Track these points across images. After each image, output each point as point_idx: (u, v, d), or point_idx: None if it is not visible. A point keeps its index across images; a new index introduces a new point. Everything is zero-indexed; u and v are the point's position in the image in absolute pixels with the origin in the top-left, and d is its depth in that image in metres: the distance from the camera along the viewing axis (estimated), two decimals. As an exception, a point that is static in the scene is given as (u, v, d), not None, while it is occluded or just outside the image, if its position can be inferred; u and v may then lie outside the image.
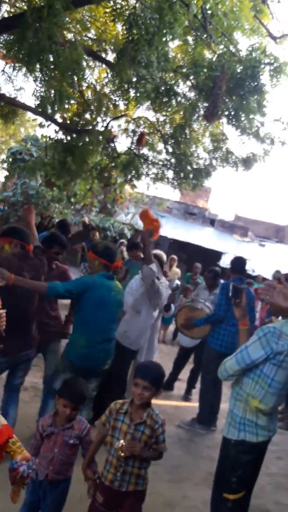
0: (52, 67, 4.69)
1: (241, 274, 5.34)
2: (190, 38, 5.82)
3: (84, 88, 7.90)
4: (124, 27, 4.45)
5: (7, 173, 13.33)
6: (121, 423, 2.61)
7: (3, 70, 7.40)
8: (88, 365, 3.76)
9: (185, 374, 6.75)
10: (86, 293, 3.65)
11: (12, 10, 7.20)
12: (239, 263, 5.42)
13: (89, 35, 7.64)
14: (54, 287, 3.55)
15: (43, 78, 5.64)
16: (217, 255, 15.20)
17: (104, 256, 3.81)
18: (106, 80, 7.91)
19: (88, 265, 5.78)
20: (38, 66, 4.96)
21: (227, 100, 4.75)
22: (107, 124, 8.04)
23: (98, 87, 8.34)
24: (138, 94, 4.82)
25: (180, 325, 5.81)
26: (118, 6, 4.60)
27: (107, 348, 3.86)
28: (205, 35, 4.48)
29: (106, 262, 3.80)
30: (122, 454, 2.48)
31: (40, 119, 8.06)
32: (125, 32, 4.24)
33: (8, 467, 2.00)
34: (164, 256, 5.14)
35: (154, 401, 2.73)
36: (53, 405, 4.03)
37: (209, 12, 4.07)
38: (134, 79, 4.78)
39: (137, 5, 3.94)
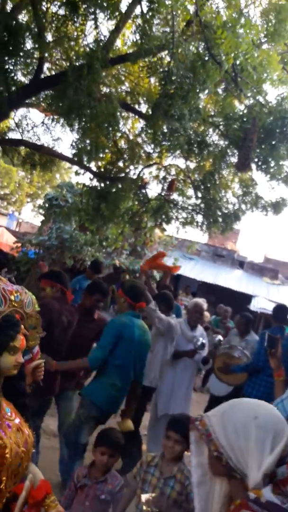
0: (89, 120, 4.95)
1: (283, 323, 5.23)
2: (220, 89, 6.07)
3: (117, 137, 8.23)
4: (158, 82, 4.69)
5: (43, 218, 13.78)
6: (151, 476, 2.56)
7: (42, 122, 7.83)
8: (111, 408, 3.71)
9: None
10: (119, 336, 3.65)
11: (53, 67, 7.72)
12: (281, 311, 5.32)
13: (123, 87, 8.06)
14: (93, 358, 3.60)
15: (80, 130, 5.94)
16: (247, 298, 14.97)
17: (129, 295, 3.82)
18: (139, 129, 8.26)
19: (116, 306, 5.83)
20: (76, 119, 5.26)
21: (257, 150, 4.86)
22: (140, 172, 8.30)
23: (131, 136, 8.69)
24: (171, 146, 5.00)
25: (218, 369, 5.67)
26: (153, 63, 4.86)
27: (127, 390, 3.82)
28: (235, 89, 4.66)
29: (130, 300, 3.81)
30: (148, 509, 2.40)
31: (75, 167, 8.42)
32: (160, 87, 4.46)
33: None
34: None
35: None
36: (67, 453, 3.96)
37: (239, 67, 4.26)
38: (167, 131, 4.99)
39: (171, 62, 4.17)
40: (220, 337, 5.04)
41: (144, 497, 2.40)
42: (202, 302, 5.21)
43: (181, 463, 2.58)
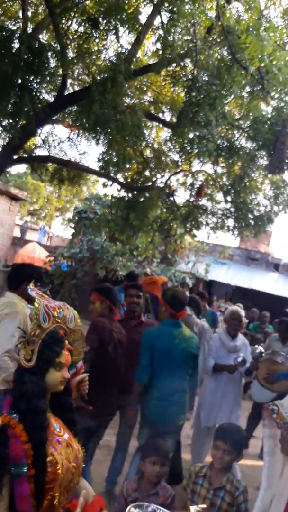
0: (115, 133, 5.00)
1: None
2: (244, 93, 6.03)
3: (143, 147, 8.29)
4: (183, 90, 4.70)
5: (74, 231, 13.99)
6: (200, 487, 2.53)
7: (68, 137, 7.97)
8: (161, 419, 3.66)
9: (259, 430, 6.40)
10: (152, 347, 3.65)
11: (75, 82, 7.87)
12: None
13: (146, 97, 8.12)
14: (141, 379, 3.63)
15: (106, 143, 6.01)
16: (284, 301, 14.67)
17: (170, 304, 3.79)
18: (164, 138, 8.29)
19: (150, 315, 5.82)
20: (102, 133, 5.33)
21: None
22: (167, 180, 8.31)
23: (156, 145, 8.73)
24: (199, 152, 4.99)
25: (263, 379, 5.53)
26: (176, 71, 4.88)
27: (179, 400, 3.73)
28: (261, 91, 4.62)
29: (171, 310, 3.78)
30: None
31: (103, 179, 8.52)
32: (185, 96, 4.47)
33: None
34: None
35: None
36: (120, 461, 4.04)
37: (264, 69, 4.22)
38: (193, 138, 4.98)
39: (195, 70, 4.17)
40: (261, 348, 4.81)
41: (193, 508, 2.36)
42: (240, 309, 5.07)
43: (230, 473, 2.54)
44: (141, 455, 2.81)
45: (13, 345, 3.05)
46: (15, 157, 6.30)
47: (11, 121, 4.62)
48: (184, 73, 4.73)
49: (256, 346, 4.81)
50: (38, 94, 4.54)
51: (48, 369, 1.71)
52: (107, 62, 5.46)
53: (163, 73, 5.95)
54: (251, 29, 3.46)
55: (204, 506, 2.34)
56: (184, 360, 3.80)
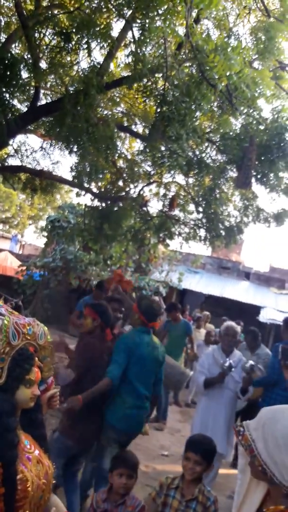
0: (87, 144, 5.04)
1: None
2: (215, 107, 6.17)
3: (116, 158, 8.35)
4: (154, 104, 4.79)
5: (46, 240, 13.89)
6: (172, 499, 2.54)
7: (41, 147, 7.96)
8: (130, 427, 3.70)
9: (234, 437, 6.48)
10: (129, 353, 3.66)
11: (49, 93, 7.87)
12: None
13: (119, 108, 8.20)
14: (113, 377, 3.52)
15: (79, 154, 6.04)
16: (255, 309, 14.92)
17: (144, 314, 3.84)
18: (138, 149, 8.38)
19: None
20: (75, 144, 5.35)
21: (256, 163, 4.93)
22: (140, 190, 8.38)
23: (129, 156, 8.80)
24: (170, 166, 5.07)
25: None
26: (147, 86, 4.96)
27: (146, 407, 3.82)
28: (230, 107, 4.75)
29: (144, 320, 3.83)
30: None
31: (76, 188, 8.52)
32: (156, 110, 4.55)
33: None
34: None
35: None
36: (90, 474, 3.97)
37: (232, 86, 4.35)
38: (164, 151, 5.07)
39: (165, 85, 4.26)
40: (251, 362, 4.63)
41: None
42: (235, 324, 4.89)
43: (201, 485, 2.57)
44: (109, 467, 2.81)
45: None
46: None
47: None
48: (155, 88, 4.82)
49: (246, 361, 4.66)
50: (10, 105, 4.53)
51: (18, 386, 1.71)
52: (80, 74, 5.50)
53: (135, 86, 6.03)
54: (219, 49, 3.57)
55: None
56: (154, 368, 3.85)
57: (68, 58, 6.15)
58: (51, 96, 7.84)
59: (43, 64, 5.98)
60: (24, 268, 13.65)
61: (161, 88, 4.52)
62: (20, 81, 4.50)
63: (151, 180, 8.46)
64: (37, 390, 1.77)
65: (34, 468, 1.72)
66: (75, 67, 6.18)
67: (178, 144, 4.34)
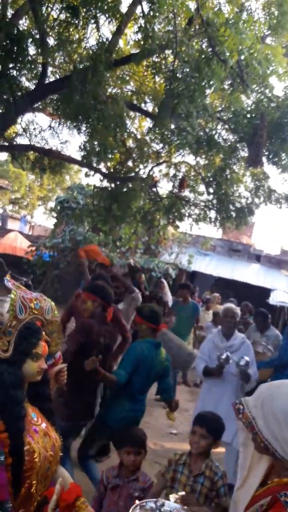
0: (96, 122, 4.97)
1: None
2: (226, 85, 6.05)
3: (125, 137, 8.26)
4: (164, 82, 4.70)
5: (56, 221, 13.91)
6: (180, 474, 2.57)
7: (50, 126, 7.89)
8: (126, 427, 3.73)
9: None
10: (139, 364, 3.65)
11: (56, 71, 7.77)
12: None
13: (128, 87, 8.08)
14: (120, 381, 3.54)
15: (87, 132, 5.98)
16: (265, 292, 14.87)
17: (150, 320, 3.79)
18: (147, 128, 8.27)
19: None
20: (83, 122, 5.30)
21: (267, 144, 4.83)
22: (150, 170, 8.30)
23: (139, 136, 8.70)
24: (180, 144, 5.00)
25: None
26: (157, 62, 4.86)
27: (143, 409, 3.83)
28: (241, 84, 4.64)
29: (152, 325, 3.79)
30: None
31: (85, 169, 8.47)
32: (166, 87, 4.47)
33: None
34: None
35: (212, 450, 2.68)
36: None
37: (244, 62, 4.24)
38: (174, 129, 4.99)
39: (175, 62, 4.17)
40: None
41: (172, 496, 2.40)
42: (234, 306, 4.78)
43: (209, 460, 2.59)
44: (117, 445, 2.85)
45: None
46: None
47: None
48: (165, 64, 4.72)
49: (248, 342, 4.52)
50: (18, 82, 4.47)
51: (25, 360, 1.73)
52: (88, 51, 5.40)
53: (144, 63, 5.92)
54: (230, 22, 3.47)
55: (183, 493, 2.39)
56: (155, 379, 3.86)
57: (76, 34, 6.04)
58: (59, 73, 7.73)
59: (50, 41, 5.90)
60: (34, 248, 13.71)
61: (171, 65, 4.42)
62: (28, 57, 4.43)
63: (161, 160, 8.38)
64: (44, 364, 1.79)
65: (41, 440, 1.74)
66: (83, 44, 6.06)
67: (187, 122, 4.27)
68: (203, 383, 4.78)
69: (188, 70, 4.03)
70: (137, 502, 2.02)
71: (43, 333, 1.82)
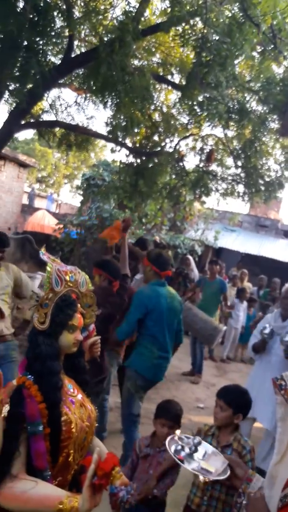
0: (123, 95, 4.88)
1: None
2: (255, 53, 5.82)
3: (151, 111, 8.11)
4: (193, 50, 4.54)
5: (82, 198, 13.93)
6: None
7: (75, 101, 7.81)
8: (155, 375, 3.86)
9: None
10: (147, 308, 3.73)
11: (81, 44, 7.63)
12: None
13: (154, 58, 7.88)
14: (120, 332, 3.70)
15: (113, 107, 5.88)
16: (293, 267, 14.64)
17: (155, 263, 3.84)
18: (173, 101, 8.09)
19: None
20: (110, 95, 5.20)
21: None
22: (176, 144, 8.15)
23: (165, 109, 8.52)
24: (209, 115, 4.86)
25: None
26: (185, 30, 4.70)
27: (170, 357, 3.95)
28: (274, 51, 4.45)
29: (156, 269, 3.84)
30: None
31: (110, 145, 8.39)
32: (195, 56, 4.33)
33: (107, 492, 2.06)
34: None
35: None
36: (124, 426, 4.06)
37: (276, 27, 4.05)
38: (203, 100, 4.85)
39: (205, 29, 4.02)
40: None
41: None
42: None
43: (238, 433, 2.61)
44: (154, 415, 2.88)
45: None
46: (22, 122, 6.19)
47: (18, 85, 4.51)
48: (193, 33, 4.56)
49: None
50: (45, 56, 4.40)
51: (62, 332, 1.74)
52: (115, 21, 5.26)
53: (172, 33, 5.73)
54: (265, -17, 3.30)
55: None
56: (173, 318, 3.91)
57: (102, 5, 5.90)
58: (84, 47, 7.60)
59: (76, 12, 5.76)
60: (61, 226, 13.79)
61: (200, 32, 4.27)
62: (54, 30, 4.35)
63: (187, 134, 8.20)
64: (79, 336, 1.80)
65: (78, 411, 1.76)
66: (109, 14, 5.92)
67: (217, 91, 4.14)
68: (255, 361, 4.69)
69: (218, 36, 3.87)
70: (177, 433, 2.05)
71: (78, 305, 1.82)
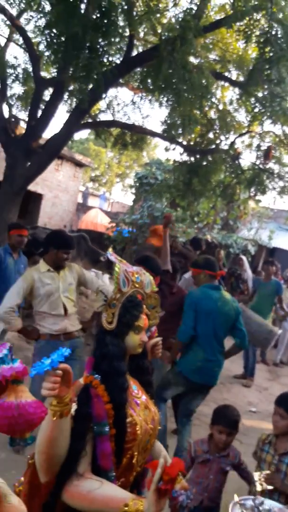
0: (184, 93, 4.84)
1: None
2: None
3: (207, 108, 8.01)
4: (256, 46, 4.43)
5: (134, 197, 14.03)
6: (266, 454, 2.57)
7: (132, 101, 7.86)
8: (202, 379, 3.81)
9: None
10: (196, 309, 3.73)
11: (139, 44, 7.65)
12: None
13: (211, 56, 7.76)
14: (181, 334, 3.73)
15: (171, 105, 5.86)
16: None
17: (207, 267, 3.85)
18: (230, 98, 7.95)
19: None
20: (168, 94, 5.18)
21: None
22: (232, 142, 8.01)
23: (221, 106, 8.39)
24: (272, 112, 4.72)
25: None
26: (248, 26, 4.58)
27: (219, 360, 3.86)
28: None
29: (211, 272, 3.85)
30: (262, 486, 2.36)
31: (162, 144, 8.39)
32: (258, 52, 4.21)
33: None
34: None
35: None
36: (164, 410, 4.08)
37: None
38: (265, 96, 4.71)
39: (270, 24, 3.89)
40: None
41: (257, 475, 2.36)
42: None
43: None
44: (212, 420, 2.84)
45: (15, 302, 3.58)
46: (81, 122, 6.30)
47: (79, 85, 4.58)
48: (257, 27, 4.43)
49: None
50: (107, 56, 4.44)
51: (128, 332, 1.73)
52: (175, 19, 5.22)
53: (232, 29, 5.60)
54: None
55: (268, 472, 2.36)
56: (225, 322, 3.85)
57: (160, 4, 5.87)
58: (142, 46, 7.61)
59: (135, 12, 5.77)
60: (114, 224, 13.97)
61: (264, 27, 4.14)
62: (116, 30, 4.36)
63: (244, 131, 8.02)
64: (145, 337, 1.78)
65: (142, 413, 1.75)
66: (169, 13, 5.89)
67: (280, 87, 4.01)
68: None
69: (284, 30, 3.74)
70: (235, 498, 2.02)
71: (144, 306, 1.81)
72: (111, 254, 1.82)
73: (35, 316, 3.83)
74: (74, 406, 1.61)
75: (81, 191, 23.11)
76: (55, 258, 3.78)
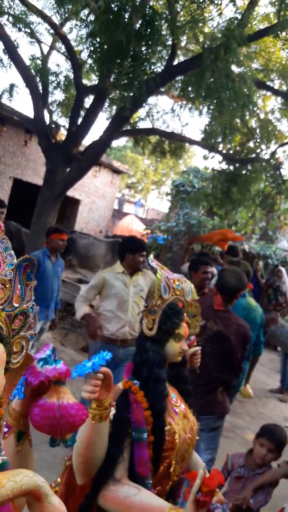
0: (226, 102, 4.81)
1: None
2: None
3: (248, 117, 7.94)
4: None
5: (170, 204, 14.01)
6: None
7: (171, 109, 7.89)
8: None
9: None
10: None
11: (181, 52, 7.68)
12: None
13: (254, 65, 7.70)
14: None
15: (210, 113, 5.83)
16: None
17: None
18: (272, 107, 7.84)
19: None
20: (209, 103, 5.16)
21: None
22: (273, 151, 7.89)
23: (262, 115, 8.29)
24: None
25: None
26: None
27: (244, 368, 3.87)
28: None
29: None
30: None
31: (200, 153, 8.38)
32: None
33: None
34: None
35: None
36: None
37: None
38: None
39: None
40: None
41: None
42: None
43: None
44: (257, 433, 2.78)
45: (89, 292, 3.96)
46: (121, 130, 6.36)
47: (121, 92, 4.63)
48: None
49: None
50: (149, 64, 4.48)
51: (168, 340, 1.72)
52: (218, 28, 5.22)
53: (277, 38, 5.53)
54: None
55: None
56: (251, 329, 3.84)
57: (207, 13, 5.87)
58: (183, 55, 7.64)
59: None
60: (149, 231, 13.98)
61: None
62: (159, 39, 4.40)
63: (286, 141, 7.89)
64: (185, 345, 1.76)
65: (181, 422, 1.73)
66: (212, 22, 5.89)
67: None
68: None
69: None
70: None
71: (185, 314, 1.79)
72: (152, 261, 1.81)
73: (100, 317, 3.96)
74: (112, 411, 1.61)
75: (117, 198, 23.31)
76: (132, 262, 3.92)
